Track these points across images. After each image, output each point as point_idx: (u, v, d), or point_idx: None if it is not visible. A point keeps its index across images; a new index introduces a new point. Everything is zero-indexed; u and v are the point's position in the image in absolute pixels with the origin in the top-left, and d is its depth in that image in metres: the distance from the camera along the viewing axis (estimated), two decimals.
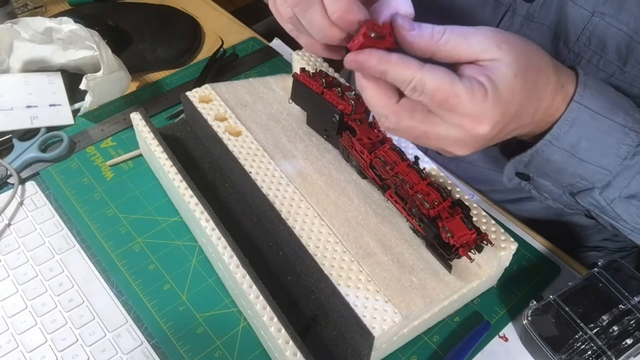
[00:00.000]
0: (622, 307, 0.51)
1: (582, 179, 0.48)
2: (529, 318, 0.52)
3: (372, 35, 0.40)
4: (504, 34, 0.41)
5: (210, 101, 0.65)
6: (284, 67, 0.81)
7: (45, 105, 0.71)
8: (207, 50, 0.84)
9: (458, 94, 0.39)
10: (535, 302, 0.52)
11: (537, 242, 0.62)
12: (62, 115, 0.72)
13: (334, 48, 0.44)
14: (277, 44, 0.85)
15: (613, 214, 0.50)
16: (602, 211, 0.51)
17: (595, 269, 0.54)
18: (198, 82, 0.76)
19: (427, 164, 0.57)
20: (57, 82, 0.74)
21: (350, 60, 0.41)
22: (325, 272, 0.49)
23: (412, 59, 0.40)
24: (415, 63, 0.39)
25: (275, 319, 0.47)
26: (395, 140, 0.58)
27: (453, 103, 0.39)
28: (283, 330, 0.47)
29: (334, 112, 0.57)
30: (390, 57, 0.40)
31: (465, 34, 0.40)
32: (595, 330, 0.50)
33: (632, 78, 0.53)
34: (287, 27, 0.46)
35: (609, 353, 0.49)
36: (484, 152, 0.63)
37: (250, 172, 0.57)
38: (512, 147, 0.50)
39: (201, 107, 0.64)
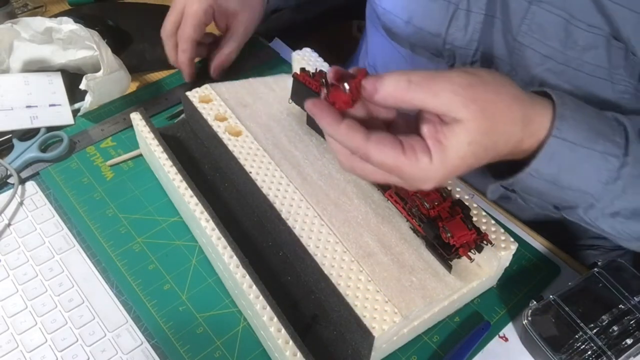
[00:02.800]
0: (622, 307, 0.51)
1: (565, 201, 0.49)
2: (529, 318, 0.52)
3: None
4: (477, 90, 0.41)
5: (210, 101, 0.65)
6: (284, 67, 0.81)
7: (45, 105, 0.71)
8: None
9: (401, 166, 0.41)
10: (535, 302, 0.53)
11: (537, 242, 0.62)
12: (62, 115, 0.72)
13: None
14: (277, 44, 0.85)
15: (598, 229, 0.51)
16: (588, 225, 0.51)
17: (595, 269, 0.54)
18: (197, 82, 0.76)
19: None
20: (57, 82, 0.74)
21: (308, 109, 0.43)
22: (325, 272, 0.49)
23: (359, 131, 0.41)
24: (360, 136, 0.41)
25: (275, 319, 0.47)
26: None
27: (397, 172, 0.41)
28: (283, 330, 0.47)
29: None
30: (338, 127, 0.41)
31: (435, 91, 0.40)
32: (595, 330, 0.50)
33: (574, 62, 0.53)
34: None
35: (609, 353, 0.49)
36: None
37: (250, 172, 0.57)
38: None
39: (201, 107, 0.64)
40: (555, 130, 0.45)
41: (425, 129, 0.41)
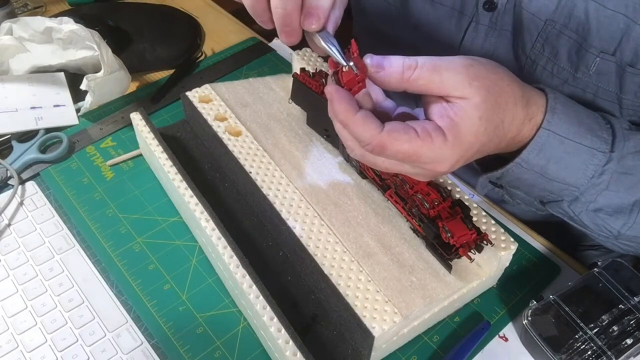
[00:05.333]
0: (622, 307, 0.51)
1: (551, 193, 0.50)
2: (529, 318, 0.52)
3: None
4: (477, 68, 0.42)
5: (210, 101, 0.65)
6: (284, 67, 0.81)
7: (49, 106, 0.71)
8: (207, 50, 0.84)
9: (418, 150, 0.40)
10: (535, 302, 0.53)
11: (537, 242, 0.62)
12: (67, 115, 0.72)
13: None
14: (277, 43, 0.85)
15: (580, 223, 0.52)
16: (570, 219, 0.53)
17: (595, 269, 0.54)
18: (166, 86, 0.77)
19: None
20: (60, 83, 0.74)
21: (328, 92, 0.41)
22: (325, 272, 0.49)
23: (374, 121, 0.40)
24: (375, 126, 0.40)
25: (275, 319, 0.47)
26: None
27: (414, 158, 0.41)
28: (283, 330, 0.47)
29: None
30: (354, 115, 0.40)
31: (439, 70, 0.40)
32: (595, 330, 0.50)
33: (584, 84, 0.54)
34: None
35: (609, 353, 0.49)
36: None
37: (250, 172, 0.57)
38: (485, 158, 0.51)
39: (201, 107, 0.64)
40: (546, 123, 0.46)
41: (433, 110, 0.41)
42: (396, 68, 0.40)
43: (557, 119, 0.46)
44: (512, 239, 0.52)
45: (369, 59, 0.41)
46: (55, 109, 0.72)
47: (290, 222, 0.53)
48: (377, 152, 0.41)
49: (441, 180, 0.56)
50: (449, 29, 0.61)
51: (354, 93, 0.42)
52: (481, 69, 0.42)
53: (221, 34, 0.86)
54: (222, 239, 0.52)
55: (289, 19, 0.42)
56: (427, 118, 0.42)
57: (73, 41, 0.72)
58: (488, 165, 0.51)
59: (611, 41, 0.50)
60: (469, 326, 0.54)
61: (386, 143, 0.40)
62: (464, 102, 0.41)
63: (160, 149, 0.60)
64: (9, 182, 0.64)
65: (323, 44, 0.43)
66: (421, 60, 0.40)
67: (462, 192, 0.55)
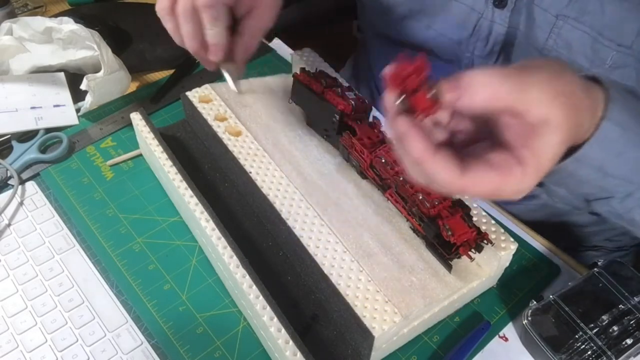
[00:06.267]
0: (622, 307, 0.51)
1: (603, 190, 0.47)
2: (529, 318, 0.52)
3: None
4: (557, 82, 0.37)
5: (210, 101, 0.65)
6: (284, 67, 0.81)
7: (49, 106, 0.71)
8: None
9: (499, 188, 0.37)
10: (535, 302, 0.53)
11: (537, 242, 0.62)
12: (67, 115, 0.72)
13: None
14: (277, 43, 0.85)
15: (630, 220, 0.50)
16: (618, 217, 0.50)
17: (595, 269, 0.54)
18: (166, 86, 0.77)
19: None
20: (60, 83, 0.74)
21: (398, 127, 0.37)
22: (325, 272, 0.49)
23: (454, 164, 0.36)
24: (456, 167, 0.36)
25: (275, 319, 0.47)
26: None
27: (496, 195, 0.38)
28: (283, 330, 0.47)
29: (334, 112, 0.57)
30: (433, 156, 0.36)
31: (525, 88, 0.36)
32: (595, 330, 0.50)
33: None
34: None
35: (609, 353, 0.49)
36: None
37: (250, 172, 0.57)
38: None
39: (201, 107, 0.64)
40: (609, 113, 0.42)
41: (511, 135, 0.38)
42: (482, 94, 0.35)
43: (617, 109, 0.42)
44: (512, 239, 0.52)
45: (445, 89, 0.36)
46: (55, 109, 0.72)
47: (290, 222, 0.53)
48: (454, 193, 0.38)
49: None
50: (460, 25, 0.61)
51: (423, 117, 0.37)
52: (560, 83, 0.38)
53: None
54: (222, 239, 0.52)
55: (198, 55, 0.57)
56: (501, 139, 0.38)
57: (73, 41, 0.72)
58: None
59: (628, 34, 0.49)
60: (469, 326, 0.54)
61: (468, 187, 0.37)
62: (546, 127, 0.37)
63: (160, 149, 0.60)
64: (9, 182, 0.64)
65: (222, 70, 0.60)
66: (508, 74, 0.36)
67: None
